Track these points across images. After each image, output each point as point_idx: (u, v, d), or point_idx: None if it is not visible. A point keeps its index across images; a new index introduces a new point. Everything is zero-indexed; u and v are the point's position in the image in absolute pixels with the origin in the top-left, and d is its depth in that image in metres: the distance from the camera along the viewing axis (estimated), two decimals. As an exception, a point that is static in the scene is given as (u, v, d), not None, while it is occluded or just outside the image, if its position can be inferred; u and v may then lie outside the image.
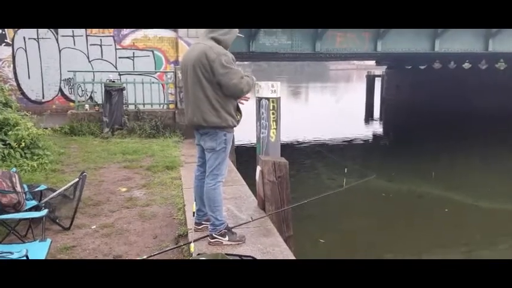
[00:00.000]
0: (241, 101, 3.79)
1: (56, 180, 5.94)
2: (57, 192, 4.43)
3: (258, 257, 3.48)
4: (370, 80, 32.06)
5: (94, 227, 4.61)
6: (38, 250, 3.08)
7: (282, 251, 3.73)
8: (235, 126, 3.75)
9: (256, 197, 5.08)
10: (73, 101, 10.82)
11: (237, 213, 4.67)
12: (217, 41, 3.59)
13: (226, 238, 3.82)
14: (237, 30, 3.75)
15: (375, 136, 21.60)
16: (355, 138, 19.42)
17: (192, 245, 3.44)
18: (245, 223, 4.21)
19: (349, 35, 14.26)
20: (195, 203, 3.94)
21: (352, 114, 27.12)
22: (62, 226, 4.47)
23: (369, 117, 27.97)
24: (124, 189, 5.83)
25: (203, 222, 4.07)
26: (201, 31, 3.75)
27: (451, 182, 11.63)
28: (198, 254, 3.28)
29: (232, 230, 3.91)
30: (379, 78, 33.19)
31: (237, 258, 3.25)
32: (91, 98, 10.89)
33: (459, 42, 15.18)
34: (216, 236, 3.80)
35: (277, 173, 4.69)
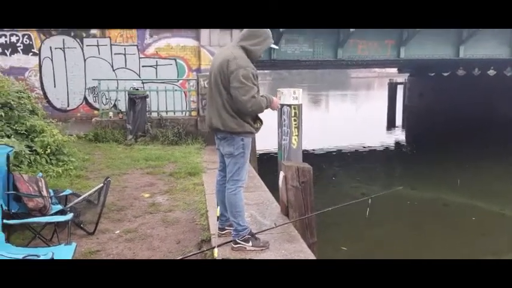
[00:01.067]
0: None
1: (80, 186, 6.00)
2: (82, 197, 4.47)
3: (282, 263, 3.43)
4: (392, 88, 31.72)
5: (118, 232, 4.63)
6: (63, 253, 3.09)
7: (306, 257, 3.68)
8: (253, 133, 3.73)
9: (279, 203, 5.04)
10: (97, 109, 10.98)
11: (260, 219, 4.64)
12: (247, 50, 3.57)
13: (250, 244, 3.79)
14: (270, 42, 3.71)
15: (397, 144, 21.31)
16: (377, 146, 19.21)
17: (215, 250, 3.42)
18: (268, 229, 4.18)
19: (370, 43, 14.16)
20: (218, 207, 3.92)
21: (373, 122, 26.83)
22: (86, 231, 4.50)
23: (391, 125, 27.62)
24: (147, 195, 5.86)
25: (226, 228, 4.05)
26: (234, 37, 3.76)
27: (476, 189, 11.39)
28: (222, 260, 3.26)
29: (256, 235, 3.88)
30: (401, 86, 32.81)
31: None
32: (115, 106, 11.04)
33: (484, 48, 14.92)
34: (239, 241, 3.77)
35: (300, 178, 4.64)
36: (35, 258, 2.75)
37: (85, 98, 11.54)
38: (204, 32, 11.18)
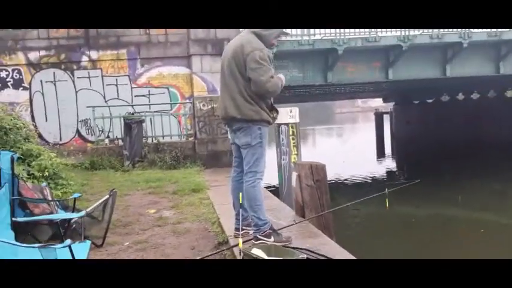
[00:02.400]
0: None
1: (81, 207, 5.75)
2: (95, 205, 4.25)
3: (311, 253, 3.25)
4: (379, 117, 32.14)
5: (127, 243, 4.40)
6: (79, 250, 2.89)
7: (334, 248, 3.51)
8: (269, 122, 3.64)
9: (293, 205, 4.87)
10: (91, 142, 10.82)
11: (276, 221, 4.44)
12: (258, 35, 3.55)
13: (272, 239, 3.60)
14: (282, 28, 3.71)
15: (389, 171, 21.30)
16: (370, 174, 19.20)
17: (240, 242, 3.22)
18: (288, 226, 4.01)
19: (359, 65, 14.32)
20: (240, 193, 3.68)
21: (364, 152, 26.82)
22: (94, 243, 4.26)
23: (381, 153, 27.70)
24: (153, 211, 5.65)
25: (243, 228, 3.84)
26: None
27: (477, 205, 11.32)
28: (249, 246, 3.06)
29: (278, 231, 3.70)
30: (387, 116, 33.21)
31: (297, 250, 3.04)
32: (108, 137, 10.86)
33: (469, 67, 15.04)
34: (260, 237, 3.58)
35: (315, 176, 4.50)
36: (54, 247, 2.53)
37: (78, 131, 11.29)
38: (196, 59, 11.19)
